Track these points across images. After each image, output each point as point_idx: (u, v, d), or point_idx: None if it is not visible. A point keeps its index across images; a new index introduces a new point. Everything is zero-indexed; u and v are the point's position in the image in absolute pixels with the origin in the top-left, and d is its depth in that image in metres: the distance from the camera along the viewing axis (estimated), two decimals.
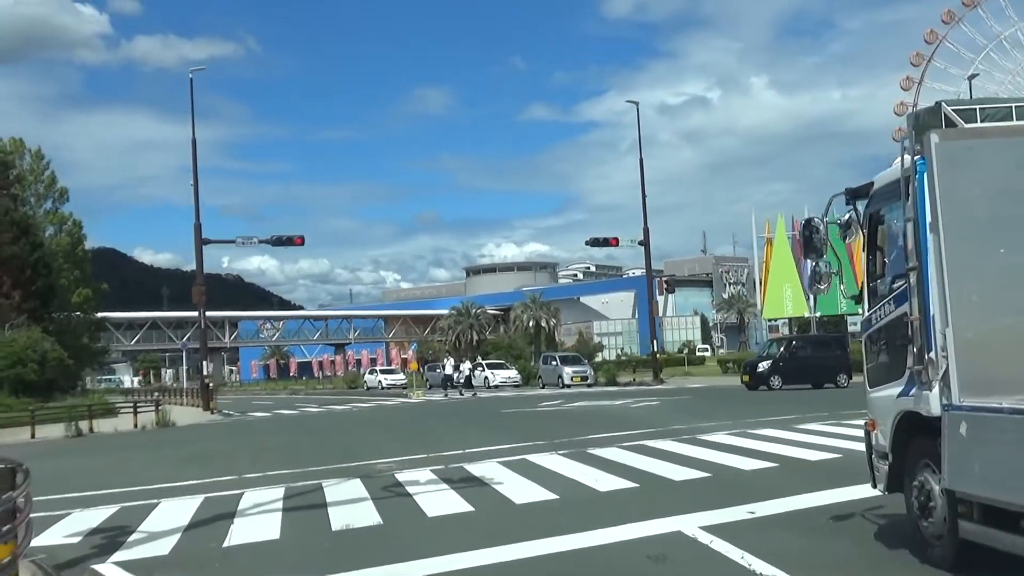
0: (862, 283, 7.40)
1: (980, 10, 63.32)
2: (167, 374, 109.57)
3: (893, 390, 6.58)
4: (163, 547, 8.51)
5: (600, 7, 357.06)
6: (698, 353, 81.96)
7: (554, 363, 47.59)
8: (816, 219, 7.35)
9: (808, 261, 7.52)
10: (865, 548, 7.03)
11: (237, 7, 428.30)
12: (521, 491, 10.60)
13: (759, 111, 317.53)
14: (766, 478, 10.83)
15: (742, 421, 18.36)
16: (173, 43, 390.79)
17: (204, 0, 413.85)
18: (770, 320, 64.17)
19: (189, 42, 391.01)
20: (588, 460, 13.15)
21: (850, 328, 62.74)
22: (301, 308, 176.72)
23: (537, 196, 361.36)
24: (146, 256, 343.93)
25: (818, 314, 53.99)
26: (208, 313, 44.67)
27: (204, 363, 40.77)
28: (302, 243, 38.40)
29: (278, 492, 11.62)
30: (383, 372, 64.35)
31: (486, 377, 50.55)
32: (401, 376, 58.46)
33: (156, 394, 42.01)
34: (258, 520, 9.66)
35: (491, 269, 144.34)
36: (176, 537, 8.93)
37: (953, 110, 6.19)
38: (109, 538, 9.06)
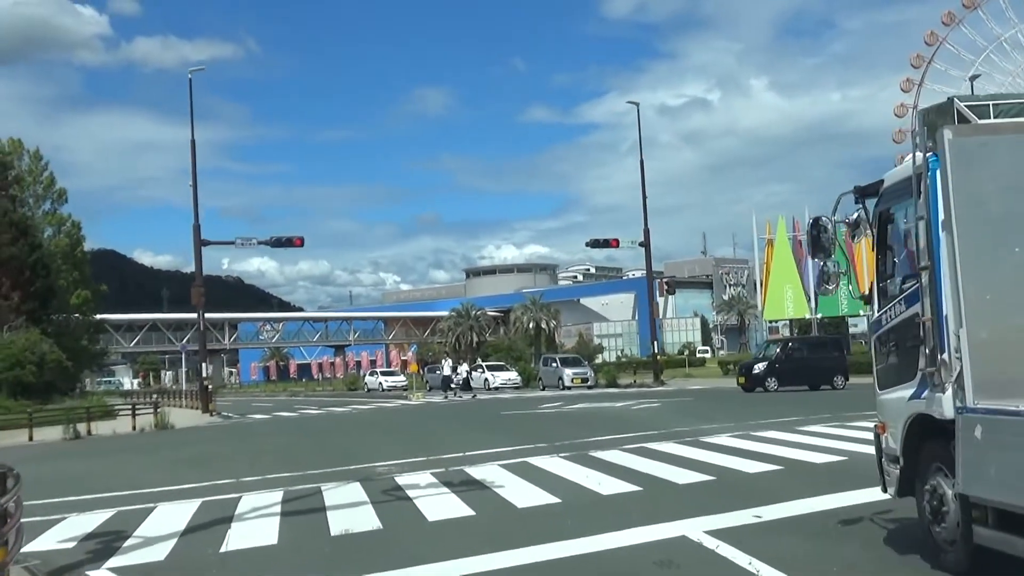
0: (871, 283, 7.25)
1: (980, 12, 63.33)
2: (167, 376, 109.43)
3: (904, 392, 6.44)
4: (159, 552, 8.37)
5: (600, 8, 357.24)
6: (698, 355, 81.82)
7: (554, 365, 47.49)
8: (824, 218, 7.21)
9: (816, 261, 7.37)
10: (874, 553, 6.89)
11: (237, 8, 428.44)
12: (523, 495, 10.47)
13: (759, 112, 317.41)
14: (771, 481, 10.70)
15: (744, 423, 18.22)
16: (173, 44, 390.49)
17: (204, 1, 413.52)
18: (771, 321, 63.99)
19: (189, 43, 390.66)
20: (590, 463, 13.01)
21: (851, 330, 62.80)
22: (301, 310, 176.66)
23: (537, 197, 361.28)
24: (146, 258, 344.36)
25: (819, 315, 53.87)
26: (207, 315, 44.50)
27: (203, 365, 40.60)
28: (301, 244, 38.25)
29: (276, 496, 11.49)
30: (384, 374, 64.24)
31: (486, 379, 50.42)
32: (402, 378, 58.35)
33: (155, 396, 41.85)
34: (256, 524, 9.52)
35: (491, 271, 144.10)
36: (172, 542, 8.80)
37: (966, 106, 6.06)
38: (104, 543, 8.92)
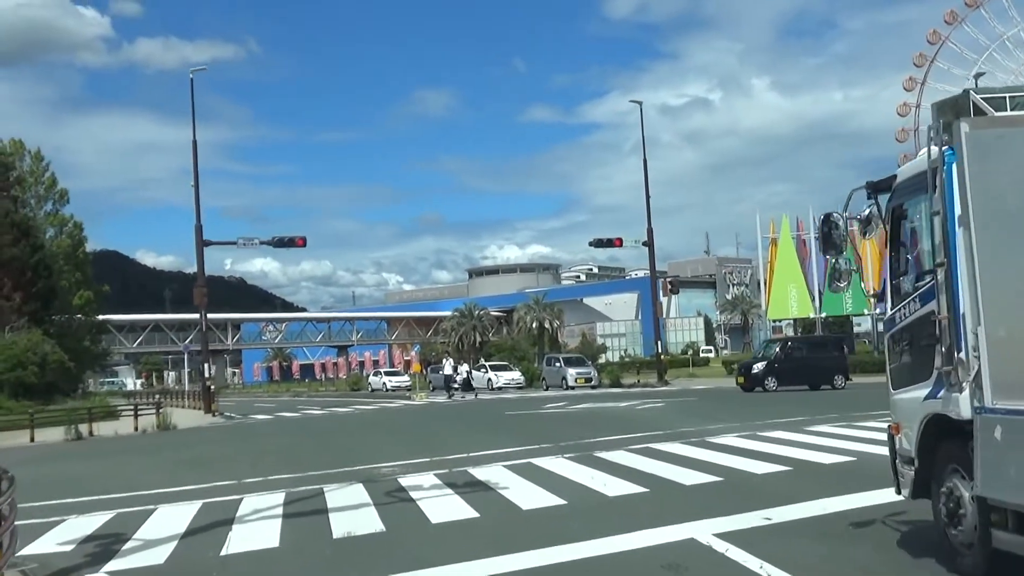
0: (884, 280, 7.10)
1: (983, 10, 63.12)
2: (170, 376, 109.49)
3: (919, 392, 6.28)
4: (159, 556, 8.23)
5: (601, 8, 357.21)
6: (702, 354, 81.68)
7: (558, 365, 47.35)
8: (835, 214, 7.07)
9: (827, 257, 7.22)
10: (888, 556, 6.75)
11: (238, 9, 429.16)
12: (527, 496, 10.32)
13: (761, 112, 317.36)
14: (780, 482, 10.55)
15: (750, 423, 18.08)
16: (174, 45, 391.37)
17: (205, 2, 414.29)
18: (775, 321, 63.75)
19: (190, 44, 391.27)
20: (595, 464, 12.87)
21: (855, 328, 62.54)
22: (304, 310, 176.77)
23: (539, 197, 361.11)
24: (148, 259, 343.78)
25: (823, 315, 53.63)
26: (210, 315, 44.40)
27: (205, 365, 40.50)
28: (303, 244, 38.10)
29: (278, 497, 11.35)
30: (388, 374, 64.15)
31: (489, 379, 50.28)
32: (406, 378, 58.24)
33: (157, 397, 41.75)
34: (257, 527, 9.39)
35: (494, 271, 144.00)
36: (172, 545, 8.66)
37: (982, 98, 5.89)
38: (103, 546, 8.79)
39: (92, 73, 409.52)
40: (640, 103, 49.21)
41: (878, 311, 55.45)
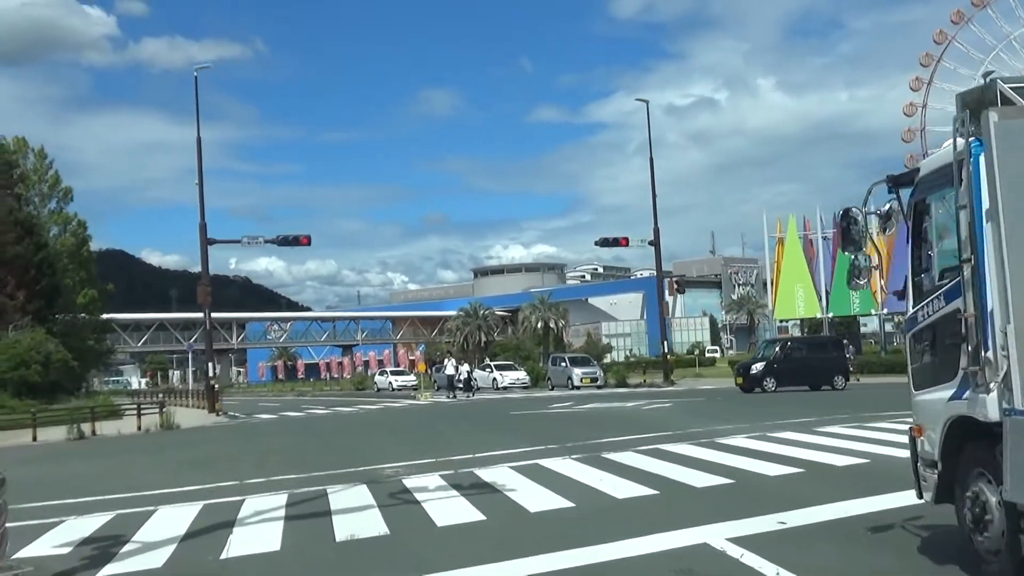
0: (905, 278, 6.87)
1: (989, 10, 62.94)
2: (174, 376, 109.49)
3: (943, 393, 6.05)
4: (157, 559, 8.03)
5: (607, 7, 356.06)
6: (707, 354, 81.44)
7: (563, 364, 47.15)
8: (855, 209, 6.84)
9: (846, 254, 6.99)
10: (909, 562, 6.53)
11: (244, 9, 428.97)
12: (535, 498, 10.11)
13: (767, 112, 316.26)
14: (793, 485, 10.33)
15: (759, 424, 17.85)
16: (180, 44, 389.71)
17: (211, 1, 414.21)
18: (782, 321, 63.54)
19: (196, 43, 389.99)
20: (603, 465, 12.65)
21: (861, 329, 62.26)
22: (309, 309, 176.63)
23: (544, 197, 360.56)
24: (154, 258, 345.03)
25: (830, 315, 53.36)
26: (215, 315, 44.21)
27: (210, 364, 40.29)
28: (308, 243, 37.93)
29: (281, 499, 11.15)
30: (393, 373, 63.94)
31: (494, 378, 50.10)
32: (412, 377, 58.10)
33: (161, 396, 41.65)
34: (259, 529, 9.18)
35: (499, 270, 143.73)
36: (172, 548, 8.46)
37: (1010, 87, 5.66)
38: (101, 548, 8.60)
39: (98, 72, 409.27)
40: (647, 102, 49.19)
41: (885, 311, 55.34)
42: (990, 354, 5.35)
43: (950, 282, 5.92)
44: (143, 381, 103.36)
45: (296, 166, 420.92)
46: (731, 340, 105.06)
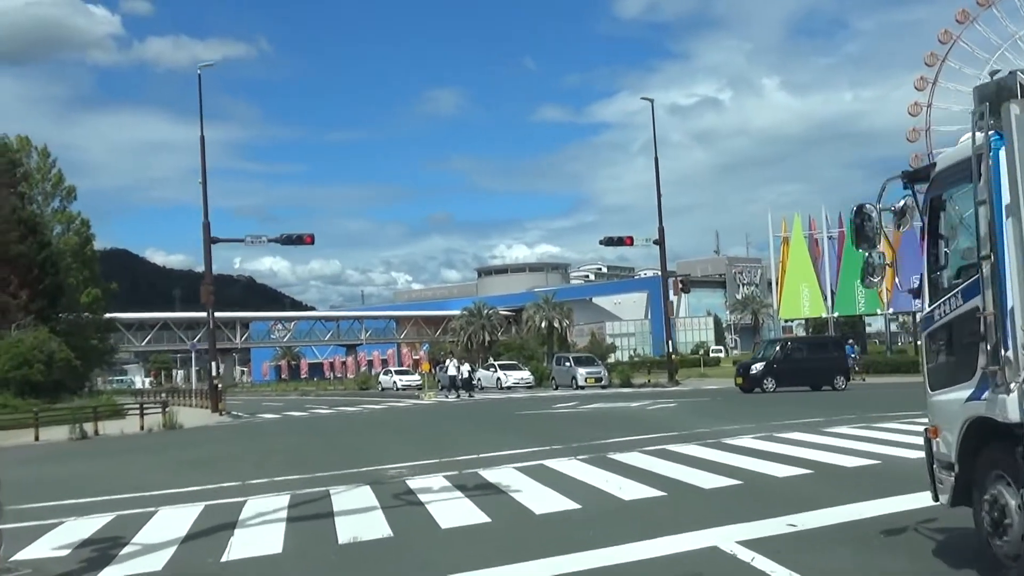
0: (920, 276, 6.72)
1: (995, 10, 62.70)
2: (178, 375, 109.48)
3: (960, 393, 5.89)
4: (157, 561, 7.89)
5: (611, 7, 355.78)
6: (712, 354, 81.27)
7: (567, 364, 47.04)
8: (869, 205, 6.67)
9: (860, 251, 6.83)
10: (923, 565, 6.38)
11: (248, 8, 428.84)
12: (540, 500, 9.97)
13: (771, 112, 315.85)
14: (802, 486, 10.18)
15: (766, 424, 17.69)
16: (185, 44, 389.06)
17: (216, 1, 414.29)
18: (786, 320, 63.31)
19: (201, 43, 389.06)
20: (609, 466, 12.51)
21: (867, 328, 62.05)
22: (313, 309, 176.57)
23: (548, 197, 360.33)
24: (158, 257, 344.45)
25: (836, 314, 53.14)
26: (219, 314, 44.20)
27: (213, 364, 40.21)
28: (311, 242, 37.83)
29: (283, 500, 11.02)
30: (398, 373, 63.85)
31: (498, 378, 49.98)
32: (417, 377, 57.99)
33: (164, 395, 41.55)
34: (260, 531, 9.05)
35: (503, 270, 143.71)
36: (172, 550, 8.33)
37: None
38: (100, 551, 8.47)
39: (102, 71, 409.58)
40: (651, 100, 49.13)
41: (890, 311, 55.13)
42: (1010, 353, 5.20)
43: (968, 280, 5.77)
44: (147, 381, 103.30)
45: (300, 166, 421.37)
46: (735, 340, 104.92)
